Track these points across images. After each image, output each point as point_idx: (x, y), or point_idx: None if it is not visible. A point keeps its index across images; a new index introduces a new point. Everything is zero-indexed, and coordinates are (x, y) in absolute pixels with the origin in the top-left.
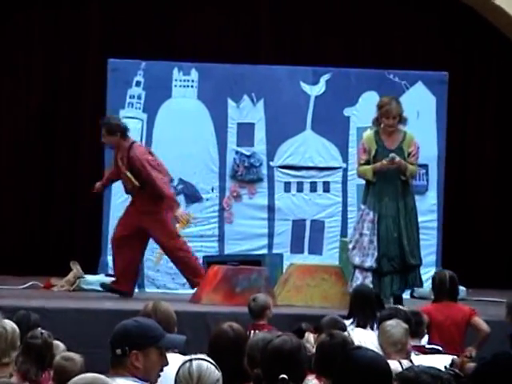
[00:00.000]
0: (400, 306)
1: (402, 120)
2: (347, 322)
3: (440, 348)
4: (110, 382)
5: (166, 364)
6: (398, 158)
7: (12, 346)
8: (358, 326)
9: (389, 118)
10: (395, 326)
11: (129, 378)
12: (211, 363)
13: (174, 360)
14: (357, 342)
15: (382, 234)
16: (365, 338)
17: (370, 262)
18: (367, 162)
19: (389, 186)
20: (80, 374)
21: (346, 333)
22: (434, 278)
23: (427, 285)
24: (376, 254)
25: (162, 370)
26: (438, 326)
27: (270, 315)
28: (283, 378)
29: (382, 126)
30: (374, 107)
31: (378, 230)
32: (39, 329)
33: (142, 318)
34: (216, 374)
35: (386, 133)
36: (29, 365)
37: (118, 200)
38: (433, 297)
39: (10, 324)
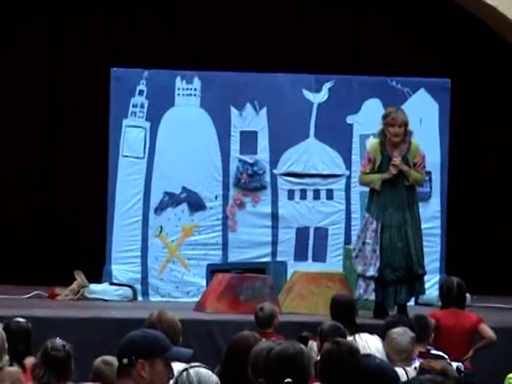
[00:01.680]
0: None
1: (408, 133)
2: None
3: (445, 355)
4: None
5: (172, 376)
6: (399, 160)
7: (2, 349)
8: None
9: (394, 126)
10: (402, 334)
11: None
12: (208, 369)
13: (177, 368)
14: (361, 348)
15: (386, 244)
16: (369, 343)
17: (372, 272)
18: (371, 172)
19: (394, 196)
20: None
21: (351, 338)
22: (441, 285)
23: (430, 291)
24: (378, 263)
25: (168, 382)
26: (446, 332)
27: (276, 324)
28: (288, 382)
29: (387, 137)
30: (377, 114)
31: (381, 239)
32: (58, 339)
33: (148, 329)
34: (214, 378)
35: (392, 143)
36: (50, 377)
37: (123, 208)
38: (440, 303)
39: None
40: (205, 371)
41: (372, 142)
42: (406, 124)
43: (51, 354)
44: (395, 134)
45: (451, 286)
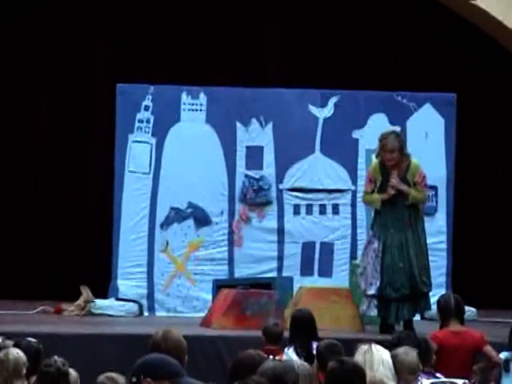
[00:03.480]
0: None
1: (404, 155)
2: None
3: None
4: None
5: None
6: (395, 180)
7: (15, 374)
8: (296, 352)
9: (386, 152)
10: (409, 354)
11: None
12: None
13: None
14: (376, 361)
15: (387, 263)
16: (383, 357)
17: (372, 291)
18: (373, 192)
19: (394, 216)
20: None
21: (366, 347)
22: (438, 303)
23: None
24: (378, 283)
25: None
26: (451, 352)
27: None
28: None
29: None
30: (383, 129)
31: (382, 259)
32: (55, 357)
33: (166, 355)
34: None
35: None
36: None
37: (129, 224)
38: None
39: (15, 352)
40: None
41: (373, 162)
42: (399, 149)
43: (44, 370)
44: (387, 160)
45: (448, 303)
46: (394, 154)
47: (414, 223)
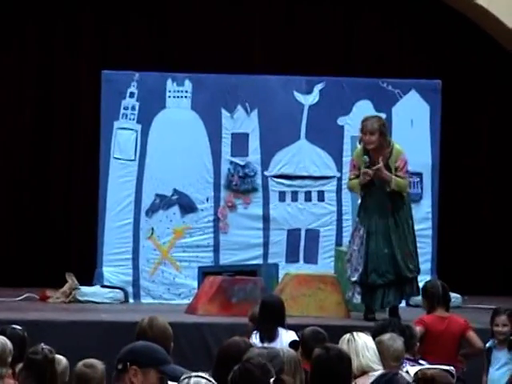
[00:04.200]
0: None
1: (386, 140)
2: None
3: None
4: None
5: None
6: (380, 165)
7: (0, 361)
8: (261, 339)
9: (366, 134)
10: (395, 341)
11: None
12: (209, 381)
13: None
14: (360, 347)
15: (372, 250)
16: (367, 343)
17: (356, 277)
18: (357, 178)
19: (378, 202)
20: (101, 381)
21: (348, 335)
22: (425, 289)
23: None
24: (361, 269)
25: None
26: (435, 337)
27: None
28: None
29: None
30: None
31: (367, 245)
32: (42, 344)
33: (153, 343)
34: None
35: (371, 149)
36: (30, 380)
37: (114, 211)
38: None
39: (1, 339)
40: (205, 382)
41: (357, 149)
42: (380, 132)
43: (31, 357)
44: (366, 142)
45: (436, 290)
46: (373, 137)
47: (397, 210)
